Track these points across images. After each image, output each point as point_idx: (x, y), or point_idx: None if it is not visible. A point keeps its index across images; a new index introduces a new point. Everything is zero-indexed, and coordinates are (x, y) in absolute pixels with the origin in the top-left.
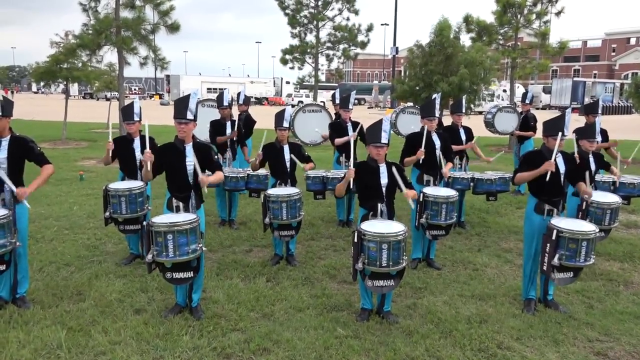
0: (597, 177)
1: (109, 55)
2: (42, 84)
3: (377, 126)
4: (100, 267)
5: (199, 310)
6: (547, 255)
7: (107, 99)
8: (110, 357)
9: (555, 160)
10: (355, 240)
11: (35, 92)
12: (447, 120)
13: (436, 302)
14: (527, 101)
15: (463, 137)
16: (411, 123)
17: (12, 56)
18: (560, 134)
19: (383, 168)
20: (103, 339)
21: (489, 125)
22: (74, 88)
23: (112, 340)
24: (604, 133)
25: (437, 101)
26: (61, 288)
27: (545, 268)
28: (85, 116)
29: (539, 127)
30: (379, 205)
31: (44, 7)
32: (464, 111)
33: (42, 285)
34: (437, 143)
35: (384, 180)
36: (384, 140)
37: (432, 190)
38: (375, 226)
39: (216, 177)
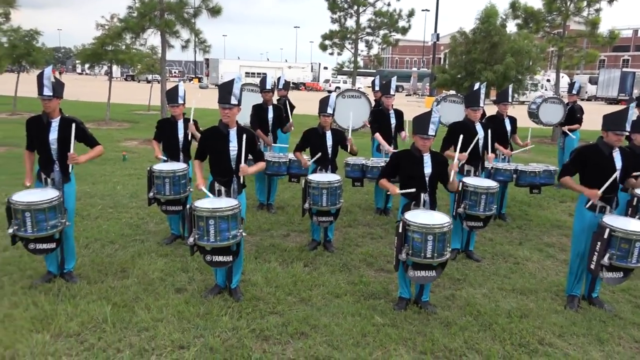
0: None
1: (152, 38)
2: (87, 65)
3: (426, 117)
4: (143, 246)
5: (238, 292)
6: (596, 253)
7: (148, 81)
8: (152, 333)
9: (612, 155)
10: (400, 230)
11: (79, 74)
12: (489, 110)
13: (475, 295)
14: (574, 92)
15: (508, 127)
16: (453, 111)
17: (58, 38)
18: (619, 130)
19: (427, 158)
20: (146, 315)
21: (533, 115)
22: (117, 70)
23: (155, 317)
24: None
25: (482, 91)
26: (106, 265)
27: (593, 267)
28: (127, 98)
29: (585, 118)
30: (422, 195)
31: None
32: (510, 101)
33: (88, 261)
34: (480, 133)
35: (427, 170)
36: (431, 132)
37: (472, 180)
38: (420, 217)
39: (257, 167)
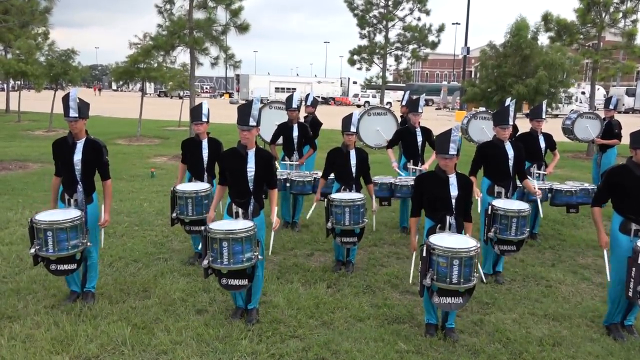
0: None
1: (182, 56)
2: (120, 83)
3: (445, 136)
4: (166, 265)
5: (253, 314)
6: (632, 280)
7: (180, 97)
8: (171, 357)
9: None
10: (424, 254)
11: (115, 90)
12: (522, 125)
13: (505, 320)
14: (611, 107)
15: (542, 145)
16: (484, 129)
17: (96, 56)
18: None
19: (453, 179)
20: (165, 337)
21: (568, 132)
22: (150, 87)
23: (174, 340)
24: None
25: (512, 108)
26: (129, 284)
27: (630, 294)
28: (159, 114)
29: (625, 134)
30: (448, 217)
31: (126, 8)
32: (544, 117)
33: (111, 280)
34: (510, 153)
35: (454, 192)
36: (452, 151)
37: (502, 203)
38: (446, 240)
39: (275, 206)
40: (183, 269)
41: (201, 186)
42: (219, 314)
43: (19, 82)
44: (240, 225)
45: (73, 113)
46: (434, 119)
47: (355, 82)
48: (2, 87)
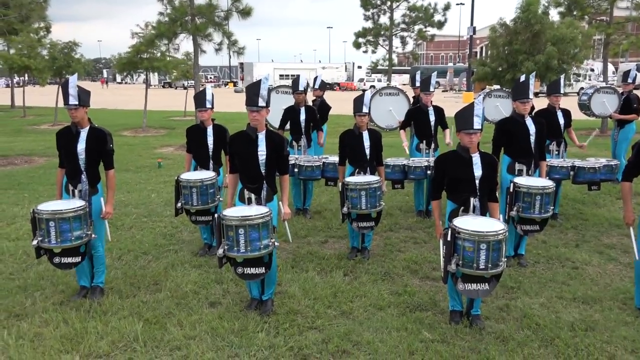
0: None
1: (185, 44)
2: (124, 74)
3: (468, 111)
4: (177, 256)
5: (268, 305)
6: None
7: (185, 88)
8: (185, 352)
9: None
10: (449, 238)
11: (119, 83)
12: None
13: (532, 305)
14: (630, 80)
15: (561, 121)
16: (499, 107)
17: (99, 49)
18: None
19: (476, 158)
20: (178, 332)
21: (584, 107)
22: (154, 77)
23: (187, 335)
24: None
25: (532, 81)
26: (139, 277)
27: None
28: (164, 105)
29: None
30: (472, 199)
31: (127, 0)
32: (562, 92)
33: (121, 274)
34: (532, 129)
35: (477, 172)
36: (477, 125)
37: (525, 180)
38: (471, 223)
39: (285, 194)
40: (194, 261)
41: (206, 175)
42: (233, 306)
43: (23, 78)
44: (255, 211)
45: (73, 100)
46: (441, 101)
47: (360, 67)
48: (7, 84)
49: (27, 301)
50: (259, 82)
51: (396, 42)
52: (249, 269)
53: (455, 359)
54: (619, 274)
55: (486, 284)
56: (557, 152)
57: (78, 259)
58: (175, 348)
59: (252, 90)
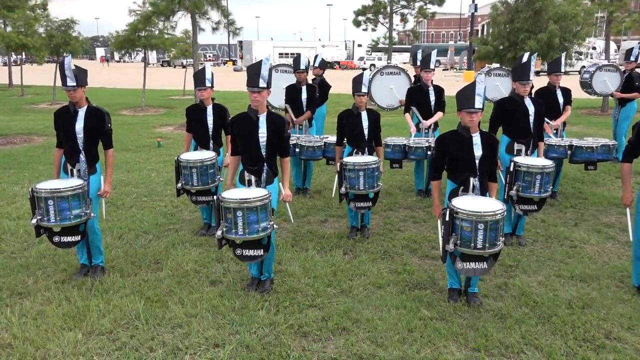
0: None
1: (182, 22)
2: (122, 52)
3: (469, 89)
4: (177, 236)
5: (267, 285)
6: None
7: (183, 66)
8: (186, 330)
9: None
10: (447, 218)
11: (117, 61)
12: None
13: (530, 283)
14: (632, 58)
15: (560, 100)
16: (499, 86)
17: (96, 26)
18: None
19: (477, 138)
20: (179, 310)
21: (586, 85)
22: (153, 56)
23: (188, 313)
24: None
25: (533, 63)
26: (139, 256)
27: None
28: (163, 83)
29: None
30: (471, 179)
31: None
32: (562, 70)
33: (122, 253)
34: (531, 109)
35: (477, 151)
36: (478, 104)
37: (525, 160)
38: (469, 203)
39: (286, 176)
40: (195, 240)
41: (206, 155)
42: (234, 284)
43: (20, 57)
44: (254, 193)
45: (71, 82)
46: (442, 79)
47: (360, 45)
48: (4, 62)
49: (29, 279)
50: (259, 63)
51: (396, 19)
52: (247, 250)
53: (454, 336)
54: (616, 253)
55: (484, 262)
56: (555, 132)
57: (78, 238)
58: (176, 326)
59: (253, 71)
